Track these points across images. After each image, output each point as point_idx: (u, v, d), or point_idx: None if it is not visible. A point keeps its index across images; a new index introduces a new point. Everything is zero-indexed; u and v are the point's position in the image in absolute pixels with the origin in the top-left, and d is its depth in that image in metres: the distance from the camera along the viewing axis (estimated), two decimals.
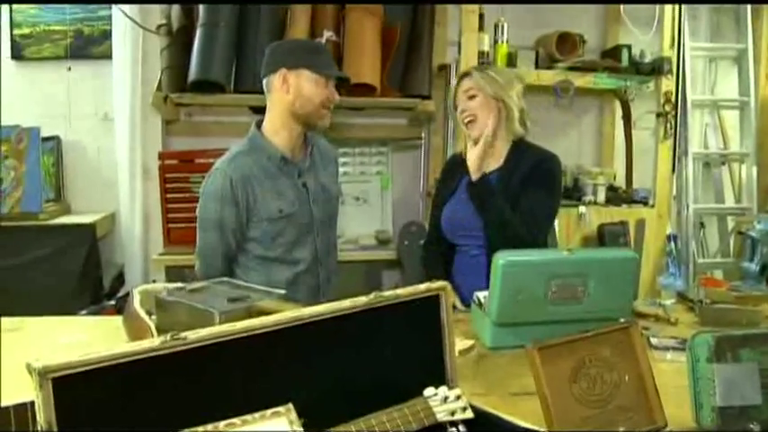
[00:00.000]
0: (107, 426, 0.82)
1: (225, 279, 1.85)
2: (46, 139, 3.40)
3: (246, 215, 2.08)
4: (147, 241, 3.50)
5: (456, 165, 2.34)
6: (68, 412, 0.78)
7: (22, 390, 0.84)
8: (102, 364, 0.80)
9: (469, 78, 2.22)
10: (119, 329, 1.70)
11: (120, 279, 3.54)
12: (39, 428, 0.77)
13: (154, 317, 1.62)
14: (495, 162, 2.21)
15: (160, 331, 1.57)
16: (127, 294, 3.32)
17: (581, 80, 3.42)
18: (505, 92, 2.16)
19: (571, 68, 3.41)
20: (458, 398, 1.09)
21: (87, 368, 0.79)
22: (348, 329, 1.04)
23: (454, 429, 1.05)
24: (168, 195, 3.33)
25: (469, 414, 1.08)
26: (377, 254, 3.46)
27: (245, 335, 0.92)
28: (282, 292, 1.70)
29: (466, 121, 2.21)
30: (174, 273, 3.31)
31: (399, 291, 1.11)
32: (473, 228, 2.17)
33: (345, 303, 1.04)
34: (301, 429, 0.90)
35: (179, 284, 1.76)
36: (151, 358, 0.85)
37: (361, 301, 1.05)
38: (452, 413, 1.06)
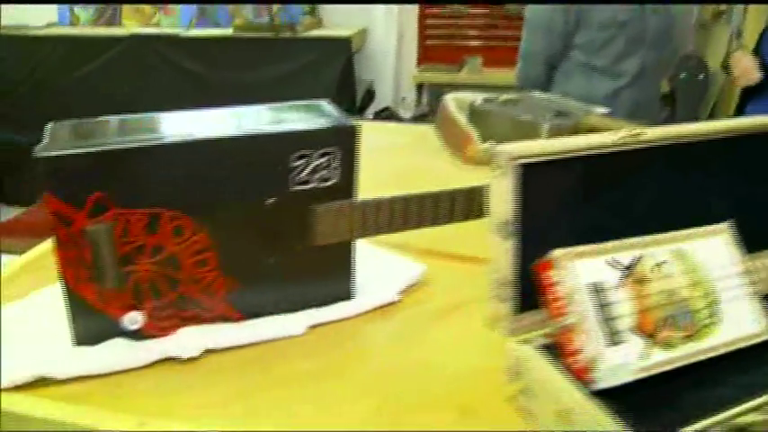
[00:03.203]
0: (559, 219, 0.73)
1: (535, 93, 1.73)
2: None
3: (576, 19, 2.03)
4: (400, 58, 3.43)
5: None
6: (528, 202, 0.70)
7: None
8: (563, 155, 0.71)
9: None
10: (425, 135, 1.64)
11: (369, 95, 3.54)
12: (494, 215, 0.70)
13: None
14: None
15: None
16: (384, 109, 3.33)
17: None
18: None
19: None
20: None
21: (550, 158, 0.70)
22: None
23: None
24: (427, 11, 3.20)
25: None
26: None
27: (699, 139, 0.79)
28: (604, 110, 1.56)
29: None
30: (427, 90, 3.26)
31: None
32: None
33: None
34: (739, 252, 0.78)
35: (486, 95, 1.66)
36: (605, 154, 0.74)
37: None
38: None
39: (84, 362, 0.73)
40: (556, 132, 1.43)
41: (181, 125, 0.76)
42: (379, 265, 0.91)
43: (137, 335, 0.76)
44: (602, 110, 1.54)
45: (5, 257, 1.00)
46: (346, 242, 0.82)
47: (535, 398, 0.68)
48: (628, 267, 0.71)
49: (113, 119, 0.78)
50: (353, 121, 0.77)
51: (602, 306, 0.67)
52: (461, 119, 1.52)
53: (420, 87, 3.34)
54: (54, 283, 0.86)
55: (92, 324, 0.75)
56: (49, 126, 0.74)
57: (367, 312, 0.85)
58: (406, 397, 0.71)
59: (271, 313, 0.81)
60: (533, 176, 0.69)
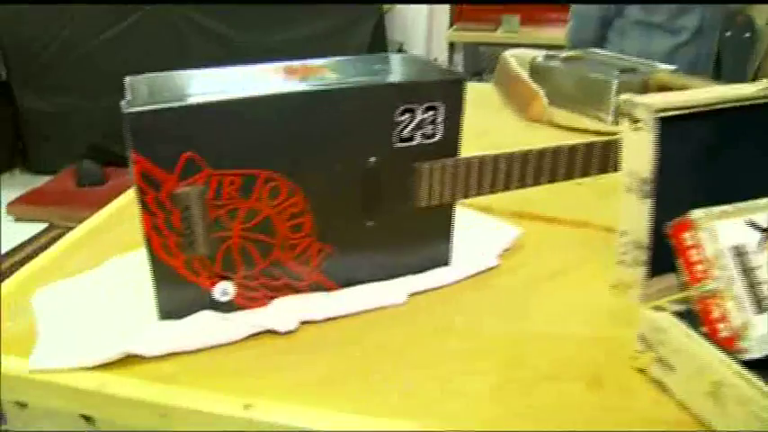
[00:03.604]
0: (690, 177, 0.67)
1: (593, 50, 1.65)
2: None
3: None
4: (432, 18, 3.34)
5: None
6: (663, 158, 0.63)
7: None
8: (700, 109, 0.64)
9: None
10: (483, 94, 1.57)
11: None
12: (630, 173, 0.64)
13: None
14: None
15: None
16: None
17: None
18: None
19: None
20: None
21: (686, 111, 0.63)
22: None
23: None
24: None
25: None
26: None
27: None
28: (670, 66, 1.48)
29: None
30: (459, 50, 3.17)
31: None
32: None
33: None
34: None
35: (546, 53, 1.58)
36: (737, 108, 0.67)
37: None
38: None
39: (174, 338, 0.68)
40: (625, 89, 1.36)
41: (269, 78, 0.69)
42: (473, 228, 0.85)
43: (226, 307, 0.71)
44: (667, 66, 1.46)
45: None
46: (447, 203, 0.76)
47: (672, 369, 0.62)
48: (765, 230, 0.65)
49: (190, 73, 0.72)
50: (462, 74, 0.71)
51: (745, 271, 0.62)
52: (525, 74, 1.45)
53: (452, 47, 3.26)
54: (123, 253, 0.81)
55: (178, 296, 0.69)
56: (127, 80, 0.68)
57: (466, 278, 0.79)
58: (523, 369, 0.66)
59: (365, 282, 0.76)
60: (670, 131, 0.63)
